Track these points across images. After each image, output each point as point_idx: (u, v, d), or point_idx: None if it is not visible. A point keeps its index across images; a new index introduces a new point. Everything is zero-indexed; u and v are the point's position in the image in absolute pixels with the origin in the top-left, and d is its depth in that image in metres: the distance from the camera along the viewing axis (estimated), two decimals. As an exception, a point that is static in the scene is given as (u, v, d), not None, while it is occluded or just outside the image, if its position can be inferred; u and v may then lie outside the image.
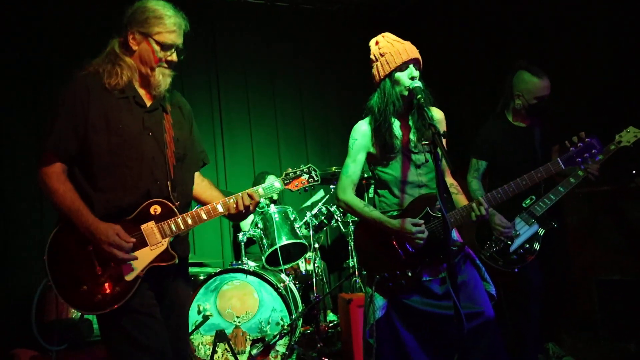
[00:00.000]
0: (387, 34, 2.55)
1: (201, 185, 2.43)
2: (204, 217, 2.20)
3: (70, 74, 2.16)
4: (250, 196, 2.26)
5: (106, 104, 2.10)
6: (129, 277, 2.04)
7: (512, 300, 3.31)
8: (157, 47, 2.15)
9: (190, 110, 2.42)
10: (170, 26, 2.16)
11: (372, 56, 2.54)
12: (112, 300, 2.02)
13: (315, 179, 2.40)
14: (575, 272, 4.11)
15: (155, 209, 2.12)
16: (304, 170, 2.41)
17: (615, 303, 3.74)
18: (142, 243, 2.08)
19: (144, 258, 2.08)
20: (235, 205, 2.24)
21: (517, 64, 3.30)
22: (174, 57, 2.20)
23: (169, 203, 2.14)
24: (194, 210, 2.20)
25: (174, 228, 2.13)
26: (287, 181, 2.39)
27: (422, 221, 2.39)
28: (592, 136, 2.49)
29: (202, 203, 2.42)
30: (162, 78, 2.19)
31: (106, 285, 2.03)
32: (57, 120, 2.07)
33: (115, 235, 2.00)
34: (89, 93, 2.09)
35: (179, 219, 2.14)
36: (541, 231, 3.19)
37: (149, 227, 2.10)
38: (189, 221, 2.16)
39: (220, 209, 2.24)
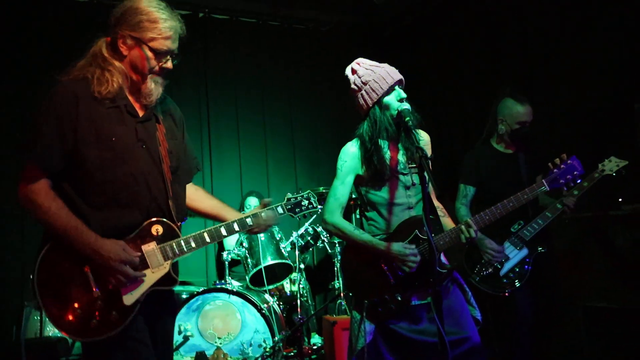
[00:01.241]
0: (361, 60, 2.52)
1: (197, 195, 2.29)
2: (208, 240, 2.08)
3: (53, 78, 1.98)
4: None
5: (96, 115, 1.91)
6: (127, 302, 1.88)
7: (502, 327, 3.29)
8: (150, 55, 1.97)
9: (182, 117, 2.25)
10: (165, 31, 1.97)
11: (353, 86, 2.51)
12: (108, 326, 1.85)
13: (315, 205, 2.36)
14: (561, 298, 4.09)
15: (157, 229, 1.98)
16: (304, 196, 2.35)
17: (601, 330, 3.71)
18: (143, 265, 1.93)
19: (145, 281, 1.93)
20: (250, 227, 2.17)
21: (502, 91, 3.43)
22: (168, 64, 2.02)
23: (172, 224, 2.01)
24: (197, 233, 2.07)
25: (176, 250, 1.99)
26: (289, 207, 2.32)
27: (414, 245, 2.36)
28: (572, 158, 2.59)
29: (200, 214, 2.31)
30: (154, 87, 2.01)
31: (102, 309, 1.86)
32: (42, 131, 1.87)
33: (122, 250, 1.86)
34: (77, 102, 1.90)
35: (181, 241, 2.01)
36: (531, 254, 3.21)
37: (150, 249, 1.95)
38: (192, 244, 2.03)
39: (224, 232, 2.12)
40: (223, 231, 2.11)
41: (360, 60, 2.53)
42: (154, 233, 1.97)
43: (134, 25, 1.95)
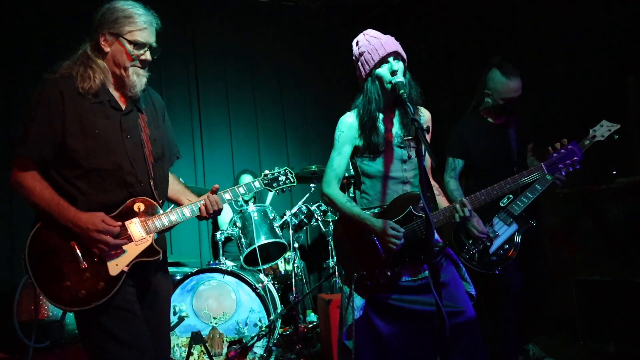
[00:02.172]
0: (368, 31, 2.49)
1: (176, 190, 2.41)
2: (188, 214, 2.22)
3: (41, 76, 2.11)
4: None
5: (80, 109, 2.07)
6: (113, 272, 2.03)
7: (491, 301, 3.29)
8: (129, 47, 2.12)
9: (163, 105, 2.40)
10: (141, 24, 2.13)
11: (353, 57, 2.49)
12: (96, 295, 2.00)
13: (292, 180, 2.50)
14: (554, 272, 4.11)
15: (139, 206, 2.12)
16: (281, 172, 2.49)
17: (594, 303, 3.75)
18: (127, 238, 2.08)
19: (129, 253, 2.08)
20: (205, 209, 2.25)
21: (492, 60, 3.28)
22: (147, 56, 2.16)
23: (152, 200, 2.16)
24: (177, 207, 2.22)
25: (157, 225, 2.14)
26: (266, 182, 2.46)
27: (403, 229, 2.33)
28: (573, 143, 2.54)
29: (174, 203, 2.42)
30: (137, 78, 2.16)
31: (90, 280, 2.01)
32: (32, 125, 2.04)
33: (101, 221, 2.00)
34: (63, 97, 2.06)
35: (162, 216, 2.16)
36: (521, 228, 3.16)
37: (132, 223, 2.10)
38: (173, 217, 2.18)
39: (188, 213, 2.23)
40: (172, 216, 2.19)
41: (367, 30, 2.49)
42: (136, 210, 2.13)
43: (112, 23, 2.12)
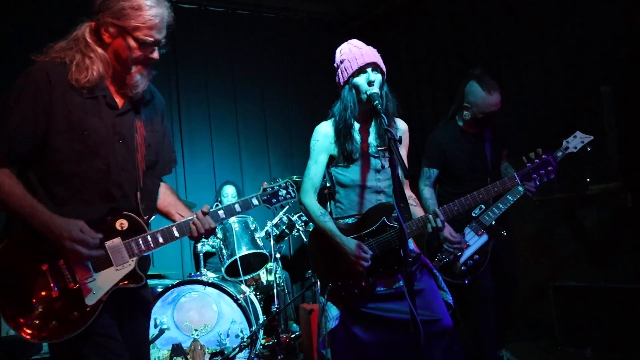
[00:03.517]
0: (352, 41, 2.53)
1: (168, 202, 2.14)
2: (176, 234, 1.95)
3: (28, 59, 1.84)
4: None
5: (70, 104, 1.80)
6: (90, 301, 1.78)
7: (468, 309, 3.32)
8: (134, 45, 1.83)
9: (164, 104, 2.15)
10: (150, 19, 1.82)
11: (335, 64, 2.54)
12: (69, 327, 1.75)
13: (293, 195, 2.25)
14: (531, 277, 4.17)
15: (122, 224, 1.86)
16: (282, 185, 2.23)
17: (571, 309, 3.80)
18: (106, 263, 1.82)
19: (108, 280, 1.82)
20: (196, 229, 2.00)
21: (472, 72, 3.28)
22: (154, 55, 1.88)
23: (137, 217, 1.89)
24: (165, 227, 1.95)
25: (142, 246, 1.88)
26: (265, 197, 2.20)
27: (371, 252, 2.34)
28: (548, 153, 2.55)
29: (156, 211, 2.16)
30: (140, 78, 1.89)
31: (63, 310, 1.75)
32: (11, 115, 1.75)
33: (79, 230, 1.74)
34: (51, 87, 1.78)
35: (148, 236, 1.89)
36: (491, 239, 3.17)
37: (114, 245, 1.84)
38: (160, 239, 1.91)
39: (177, 234, 1.98)
40: (159, 238, 1.93)
41: (351, 40, 2.53)
42: (119, 228, 1.87)
43: (117, 13, 1.81)
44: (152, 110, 2.04)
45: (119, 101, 1.91)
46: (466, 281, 3.15)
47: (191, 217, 2.01)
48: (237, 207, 2.10)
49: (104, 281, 1.82)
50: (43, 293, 1.77)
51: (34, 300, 1.76)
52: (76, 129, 1.80)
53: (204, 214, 2.01)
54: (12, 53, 4.61)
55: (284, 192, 2.22)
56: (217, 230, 4.41)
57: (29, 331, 1.74)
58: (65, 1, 4.78)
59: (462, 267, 3.15)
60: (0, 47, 4.72)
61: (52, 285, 1.77)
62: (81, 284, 1.80)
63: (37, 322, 1.75)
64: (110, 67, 1.87)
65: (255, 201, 2.16)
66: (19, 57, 4.46)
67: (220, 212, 2.07)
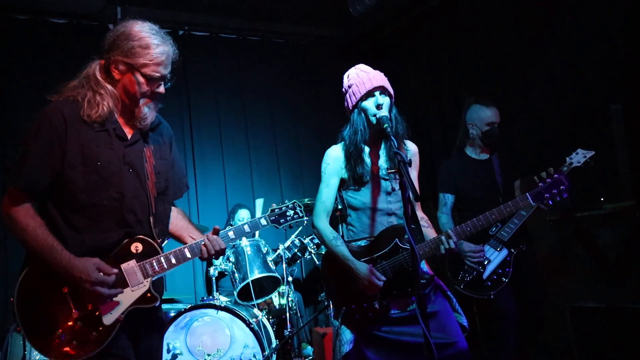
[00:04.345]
0: (359, 65, 2.57)
1: (180, 225, 2.25)
2: (188, 255, 2.07)
3: (43, 99, 1.97)
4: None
5: (84, 138, 1.93)
6: (107, 321, 1.89)
7: (488, 329, 3.31)
8: (142, 80, 1.97)
9: (172, 135, 2.25)
10: (157, 57, 1.96)
11: (343, 89, 2.57)
12: (88, 346, 1.86)
13: (301, 215, 2.35)
14: (548, 299, 4.11)
15: (137, 247, 1.98)
16: (289, 206, 2.34)
17: (589, 330, 3.73)
18: (122, 284, 1.93)
19: (124, 300, 1.93)
20: (206, 250, 2.09)
21: (468, 100, 3.52)
22: (161, 89, 2.03)
23: (151, 240, 2.01)
24: (177, 248, 2.07)
25: (156, 267, 1.99)
26: (273, 218, 2.31)
27: (384, 278, 2.34)
28: (559, 172, 2.56)
29: (169, 235, 2.28)
30: (149, 111, 2.03)
31: (82, 330, 1.87)
32: (30, 153, 1.89)
33: (96, 270, 1.85)
34: (66, 124, 1.91)
35: (162, 258, 2.01)
36: (511, 254, 3.25)
37: (130, 267, 1.95)
38: (173, 260, 2.03)
39: (189, 255, 2.08)
40: (172, 259, 2.04)
41: (359, 65, 2.57)
42: (134, 251, 1.97)
43: (127, 51, 1.95)
44: (160, 140, 2.16)
45: (128, 132, 2.03)
46: (492, 295, 3.20)
47: (202, 240, 2.10)
48: (247, 228, 2.20)
49: (121, 301, 1.92)
50: (64, 315, 1.88)
51: (56, 322, 1.87)
52: (90, 161, 1.92)
53: (215, 233, 2.12)
54: (29, 92, 4.79)
55: (291, 212, 2.33)
56: (229, 253, 4.43)
57: (52, 351, 1.85)
58: (78, 42, 5.02)
59: (487, 282, 3.22)
60: (18, 88, 4.91)
61: (72, 307, 1.88)
62: (99, 305, 1.90)
63: (59, 342, 1.85)
64: (119, 101, 2.01)
65: (263, 221, 2.26)
66: (35, 97, 4.64)
67: (230, 233, 2.17)
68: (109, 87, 1.99)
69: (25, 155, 1.90)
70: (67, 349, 1.85)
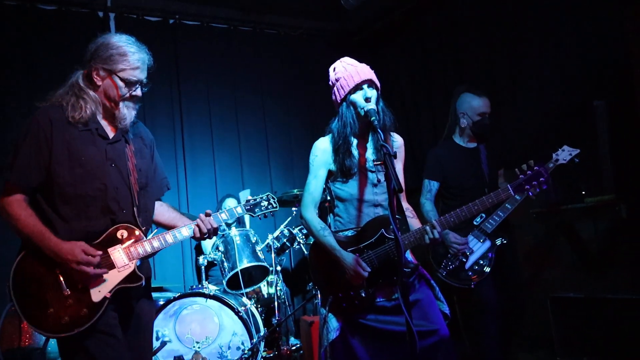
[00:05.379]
0: (345, 59, 2.61)
1: (160, 210, 2.47)
2: (170, 240, 2.28)
3: (31, 86, 2.17)
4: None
5: (69, 137, 2.14)
6: (96, 299, 2.08)
7: (469, 320, 3.38)
8: (121, 84, 2.20)
9: (153, 140, 2.48)
10: (134, 62, 2.20)
11: (330, 82, 2.61)
12: (79, 322, 2.04)
13: (274, 205, 2.57)
14: (530, 289, 4.21)
15: (122, 233, 2.18)
16: (263, 197, 2.57)
17: (569, 320, 3.83)
18: (109, 265, 2.13)
19: (111, 280, 2.12)
20: (199, 229, 2.31)
21: (459, 89, 3.53)
22: (138, 92, 2.25)
23: (135, 227, 2.21)
24: (160, 234, 2.26)
25: (140, 251, 2.19)
26: (248, 207, 2.54)
27: (369, 269, 2.41)
28: (539, 165, 2.65)
29: (161, 226, 2.48)
30: (127, 111, 2.24)
31: (73, 307, 2.05)
32: (20, 153, 2.11)
33: (82, 252, 2.04)
34: (52, 125, 2.13)
35: (145, 242, 2.21)
36: (494, 245, 3.30)
37: (115, 250, 2.15)
38: (155, 244, 2.23)
39: (185, 232, 2.31)
40: (185, 232, 2.31)
41: (344, 58, 2.61)
42: (119, 237, 2.18)
43: (106, 59, 2.19)
44: (140, 142, 2.40)
45: (110, 132, 2.27)
46: (472, 284, 3.27)
47: (195, 221, 2.33)
48: (224, 216, 2.42)
49: (108, 281, 2.13)
50: (56, 293, 2.07)
51: (49, 300, 2.06)
52: (75, 156, 2.14)
53: (207, 215, 2.34)
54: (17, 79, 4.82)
55: (265, 203, 2.56)
56: (219, 242, 4.47)
57: (45, 327, 2.05)
58: (67, 29, 5.05)
59: (469, 272, 3.27)
60: (5, 75, 4.90)
61: (63, 286, 2.07)
62: (87, 284, 2.09)
63: (52, 318, 2.05)
64: (101, 105, 2.24)
65: (239, 210, 2.50)
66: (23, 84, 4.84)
67: (222, 215, 2.41)
68: (91, 92, 2.22)
69: (18, 153, 2.11)
70: (59, 323, 2.04)
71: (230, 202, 5.24)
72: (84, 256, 2.04)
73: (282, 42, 6.41)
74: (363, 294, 2.42)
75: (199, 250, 5.28)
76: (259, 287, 4.76)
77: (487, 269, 3.28)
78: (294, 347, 4.52)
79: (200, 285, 4.22)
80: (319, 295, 2.61)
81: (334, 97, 2.59)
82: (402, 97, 5.96)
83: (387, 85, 2.57)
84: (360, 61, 2.60)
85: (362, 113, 2.46)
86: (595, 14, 4.01)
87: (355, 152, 2.55)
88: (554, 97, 4.28)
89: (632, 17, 3.76)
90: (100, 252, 2.10)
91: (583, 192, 4.05)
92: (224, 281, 4.37)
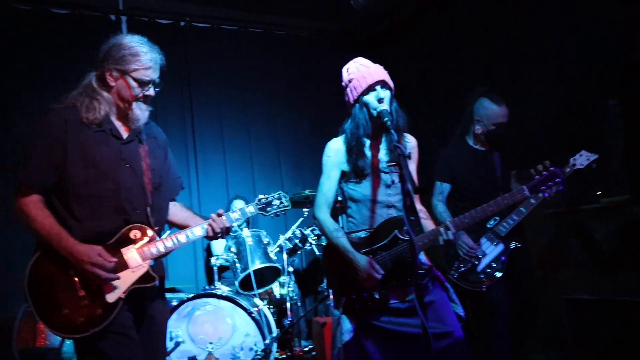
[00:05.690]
0: (358, 59, 2.61)
1: (173, 210, 2.48)
2: (183, 240, 2.28)
3: (44, 90, 2.18)
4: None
5: (83, 137, 2.15)
6: (110, 299, 2.09)
7: (481, 322, 3.36)
8: (134, 84, 2.21)
9: (166, 140, 2.49)
10: (146, 62, 2.22)
11: (343, 83, 2.61)
12: (93, 322, 2.05)
13: (286, 204, 2.53)
14: (543, 291, 4.18)
15: (135, 234, 2.18)
16: (275, 196, 2.54)
17: (583, 322, 3.80)
18: (123, 266, 2.14)
19: (125, 280, 2.13)
20: (212, 229, 2.31)
21: (478, 90, 3.44)
22: (151, 92, 2.27)
23: (149, 227, 2.21)
24: (173, 234, 2.27)
25: (154, 251, 2.20)
26: (260, 206, 2.51)
27: (382, 272, 2.39)
28: (555, 165, 2.61)
29: (175, 226, 2.49)
30: (140, 112, 2.25)
31: (88, 308, 2.07)
32: (34, 153, 2.12)
33: (97, 255, 2.05)
34: (67, 126, 2.14)
35: (158, 243, 2.21)
36: (507, 249, 3.27)
37: (129, 251, 2.16)
38: (169, 244, 2.23)
39: (198, 232, 2.31)
40: (199, 231, 2.31)
41: (358, 58, 2.61)
42: (133, 237, 2.19)
43: (119, 59, 2.21)
44: (155, 144, 2.40)
45: (124, 133, 2.28)
46: (484, 288, 3.24)
47: (208, 220, 2.33)
48: (236, 215, 2.41)
49: (122, 281, 2.13)
50: (71, 294, 2.08)
51: (64, 301, 2.07)
52: (89, 156, 2.15)
53: (219, 215, 2.34)
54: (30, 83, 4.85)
55: (277, 202, 2.53)
56: (231, 244, 4.49)
57: (60, 328, 2.06)
58: (79, 33, 5.10)
59: (480, 275, 3.25)
60: (19, 79, 4.95)
61: (78, 287, 2.09)
62: (102, 285, 2.10)
63: (67, 318, 2.06)
64: (115, 105, 2.26)
65: (251, 209, 2.48)
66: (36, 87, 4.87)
67: (234, 215, 2.40)
68: (105, 93, 2.23)
69: (32, 154, 2.13)
70: (74, 324, 2.05)
71: (238, 204, 5.26)
72: (99, 259, 2.05)
73: (291, 43, 6.43)
74: (376, 296, 2.42)
75: (210, 252, 5.31)
76: (271, 288, 4.78)
77: (499, 274, 3.24)
78: (306, 349, 4.53)
79: (212, 287, 4.24)
80: (332, 297, 2.61)
81: (346, 98, 2.59)
82: (408, 96, 5.93)
83: (394, 84, 2.56)
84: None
85: (375, 114, 2.46)
86: (595, 14, 3.96)
87: (368, 152, 2.55)
88: (567, 97, 4.24)
89: (632, 17, 3.73)
90: (115, 259, 2.11)
91: (598, 193, 4.01)
92: (236, 282, 4.39)
